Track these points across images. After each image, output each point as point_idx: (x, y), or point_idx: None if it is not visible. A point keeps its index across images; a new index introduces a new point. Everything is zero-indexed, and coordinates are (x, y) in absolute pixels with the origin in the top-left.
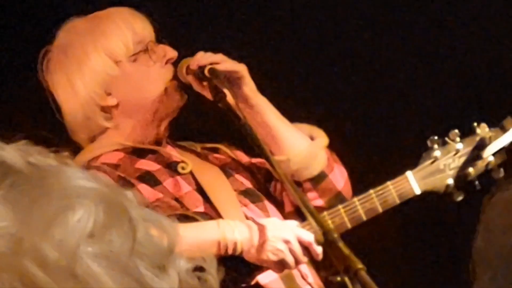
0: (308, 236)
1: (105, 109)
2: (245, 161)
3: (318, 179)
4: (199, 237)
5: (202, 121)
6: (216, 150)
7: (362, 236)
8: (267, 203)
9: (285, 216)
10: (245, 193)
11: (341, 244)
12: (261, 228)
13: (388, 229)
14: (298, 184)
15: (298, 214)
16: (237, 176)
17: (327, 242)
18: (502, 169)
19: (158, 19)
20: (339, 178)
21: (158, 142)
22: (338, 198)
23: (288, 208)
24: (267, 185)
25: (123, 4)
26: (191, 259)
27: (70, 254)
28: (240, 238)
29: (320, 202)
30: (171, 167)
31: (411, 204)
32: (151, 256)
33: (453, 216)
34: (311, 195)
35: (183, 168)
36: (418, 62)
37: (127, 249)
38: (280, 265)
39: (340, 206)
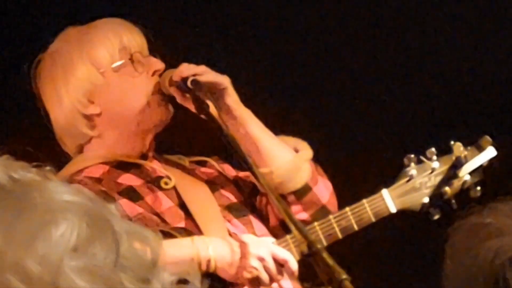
0: (284, 254)
1: (88, 118)
2: (232, 175)
3: (302, 192)
4: (174, 254)
5: (191, 134)
6: (204, 164)
7: (347, 246)
8: (251, 218)
9: (270, 230)
10: (229, 208)
11: (325, 255)
12: (243, 246)
13: (373, 239)
14: (283, 197)
15: (283, 228)
16: (223, 191)
17: (311, 253)
18: (479, 188)
19: (152, 31)
20: (324, 191)
21: (143, 156)
22: (323, 212)
23: (273, 222)
24: (253, 199)
25: (118, 15)
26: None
27: (54, 268)
28: (214, 255)
29: (304, 215)
30: (154, 182)
31: (396, 216)
32: (135, 269)
33: (431, 232)
34: (295, 208)
35: (166, 183)
36: (395, 80)
37: (111, 263)
38: (255, 283)
39: (316, 223)
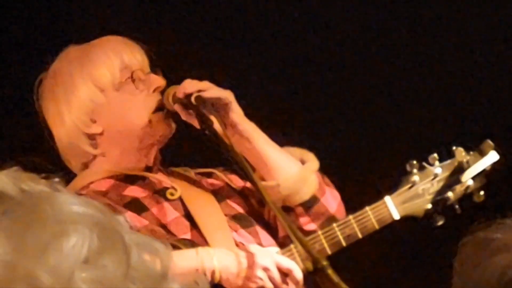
0: (288, 263)
1: (91, 137)
2: (239, 185)
3: (310, 203)
4: (178, 265)
5: (197, 145)
6: (210, 175)
7: (352, 259)
8: (258, 228)
9: (279, 240)
10: (235, 218)
11: (330, 271)
12: (250, 256)
13: (377, 252)
14: (291, 209)
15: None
16: (229, 201)
17: (316, 269)
18: (482, 193)
19: (153, 48)
20: (332, 201)
21: (148, 169)
22: (331, 222)
23: (282, 232)
24: (260, 210)
25: (120, 33)
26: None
27: (65, 280)
28: (218, 266)
29: (313, 226)
30: (160, 193)
31: (399, 228)
32: (144, 280)
33: (436, 240)
34: (304, 219)
35: (171, 194)
36: (396, 86)
37: (121, 274)
38: None
39: (320, 232)
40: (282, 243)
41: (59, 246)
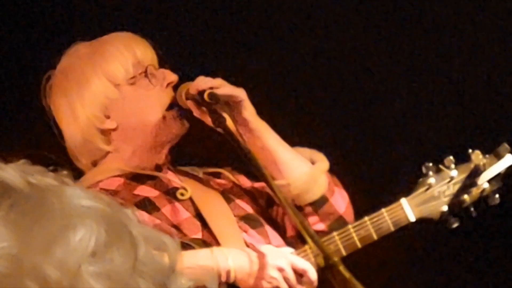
0: (303, 263)
1: (104, 133)
2: (247, 185)
3: (319, 203)
4: (193, 264)
5: (205, 145)
6: (218, 175)
7: (363, 258)
8: (267, 228)
9: (287, 240)
10: (245, 218)
11: (342, 268)
12: (260, 256)
13: (389, 251)
14: (299, 208)
15: (300, 239)
16: (238, 202)
17: (328, 266)
18: (497, 196)
19: (161, 44)
20: (341, 202)
21: (158, 168)
22: (339, 222)
23: (290, 232)
24: (269, 210)
25: (126, 29)
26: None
27: (72, 274)
28: (233, 265)
29: (321, 226)
30: (170, 193)
31: (412, 229)
32: (152, 274)
33: (449, 242)
34: (313, 219)
35: (182, 194)
36: (413, 88)
37: (129, 268)
38: None
39: (334, 233)
40: (290, 243)
41: (66, 240)
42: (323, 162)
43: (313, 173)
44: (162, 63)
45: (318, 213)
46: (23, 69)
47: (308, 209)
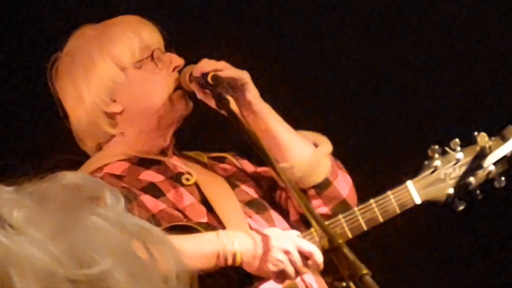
0: (309, 246)
1: (110, 116)
2: (251, 170)
3: (322, 186)
4: (199, 249)
5: (209, 130)
6: (222, 160)
7: (368, 241)
8: (272, 213)
9: (291, 224)
10: (250, 203)
11: (346, 250)
12: (265, 239)
13: (394, 234)
14: (303, 191)
15: (304, 222)
16: (243, 187)
17: (332, 248)
18: (503, 178)
19: (167, 27)
20: (344, 185)
21: (163, 152)
22: (343, 206)
23: (293, 216)
24: (272, 194)
25: (133, 12)
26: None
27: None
28: (239, 248)
29: (325, 209)
30: (176, 178)
31: (417, 210)
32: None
33: (455, 224)
34: (316, 202)
35: (187, 179)
36: (418, 71)
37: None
38: (281, 276)
39: (340, 216)
40: (294, 228)
41: None
42: (326, 145)
43: (316, 155)
44: (169, 47)
45: (321, 196)
46: (30, 53)
47: (312, 192)
